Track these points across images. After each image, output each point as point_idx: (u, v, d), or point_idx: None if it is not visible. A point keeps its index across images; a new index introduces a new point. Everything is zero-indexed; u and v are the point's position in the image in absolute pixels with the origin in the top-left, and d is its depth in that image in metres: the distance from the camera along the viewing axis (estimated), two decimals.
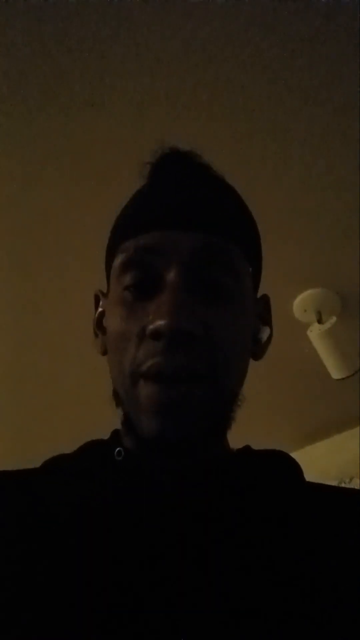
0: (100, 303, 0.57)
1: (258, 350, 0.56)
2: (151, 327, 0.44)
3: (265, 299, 0.59)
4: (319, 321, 1.56)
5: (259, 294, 0.59)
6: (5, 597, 0.41)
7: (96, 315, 0.57)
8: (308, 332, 1.59)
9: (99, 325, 0.56)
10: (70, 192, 1.27)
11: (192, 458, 0.48)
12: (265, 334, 0.57)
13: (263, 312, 0.58)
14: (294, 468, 0.53)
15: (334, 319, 1.55)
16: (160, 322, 0.44)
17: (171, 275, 0.46)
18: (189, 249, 0.47)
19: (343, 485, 1.99)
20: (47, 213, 1.33)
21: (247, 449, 0.54)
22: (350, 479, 2.02)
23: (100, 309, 0.57)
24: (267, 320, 0.58)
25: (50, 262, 1.45)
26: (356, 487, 1.97)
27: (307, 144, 1.20)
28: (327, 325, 1.54)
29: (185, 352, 0.45)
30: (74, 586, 0.41)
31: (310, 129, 1.17)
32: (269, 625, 0.39)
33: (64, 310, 1.54)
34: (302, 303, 1.56)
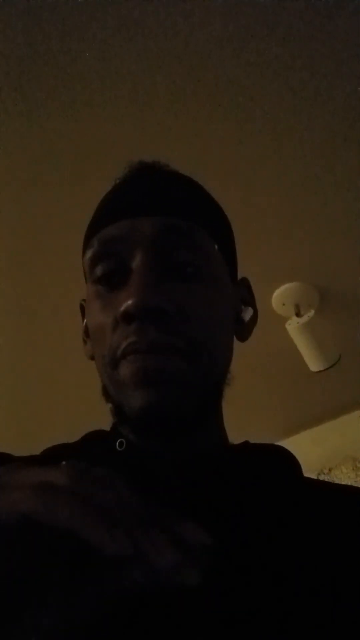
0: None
1: (243, 331, 0.57)
2: (120, 310, 0.45)
3: (246, 281, 0.59)
4: (297, 314, 1.57)
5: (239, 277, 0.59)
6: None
7: (84, 323, 0.57)
8: (286, 326, 1.59)
9: (87, 333, 0.56)
10: (70, 192, 1.27)
11: (185, 444, 0.48)
12: (248, 314, 0.57)
13: (244, 294, 0.58)
14: (293, 464, 0.53)
15: (312, 312, 1.55)
16: (128, 303, 0.45)
17: (137, 261, 0.47)
18: (151, 232, 0.48)
19: (322, 476, 2.02)
20: (47, 213, 1.33)
21: (246, 443, 0.54)
22: (330, 470, 2.02)
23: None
24: (249, 302, 0.58)
25: (50, 262, 1.45)
26: (335, 479, 1.99)
27: (306, 144, 1.20)
28: (305, 318, 1.55)
29: (159, 328, 0.45)
30: (72, 579, 0.41)
31: (310, 129, 1.17)
32: (268, 623, 0.39)
33: (64, 310, 1.54)
34: (280, 296, 1.57)
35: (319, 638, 0.39)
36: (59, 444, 0.54)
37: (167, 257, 0.48)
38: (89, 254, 0.51)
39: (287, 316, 1.60)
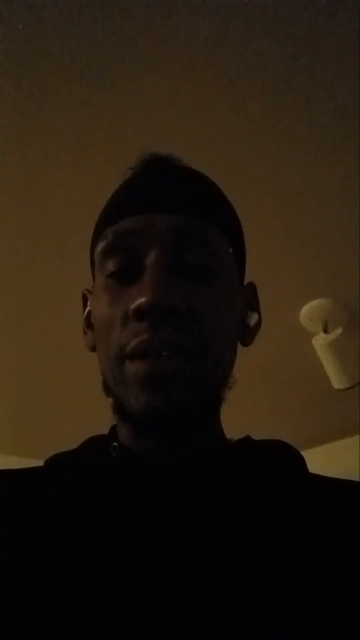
0: (88, 302, 0.57)
1: (247, 336, 0.56)
2: (133, 306, 0.44)
3: (252, 286, 0.59)
4: (325, 331, 1.57)
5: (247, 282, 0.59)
6: (4, 597, 0.41)
7: (85, 314, 0.57)
8: (313, 341, 1.59)
9: (88, 324, 0.56)
10: (71, 191, 1.27)
11: (185, 444, 0.48)
12: (253, 319, 0.57)
13: (250, 298, 0.58)
14: (297, 460, 0.52)
15: (339, 330, 1.56)
16: (141, 300, 0.44)
17: (151, 257, 0.47)
18: (168, 229, 0.47)
19: None
20: (47, 213, 1.33)
21: (247, 439, 0.53)
22: None
23: (88, 308, 0.57)
24: (255, 307, 0.58)
25: (51, 261, 1.45)
26: None
27: (307, 144, 1.20)
28: (332, 336, 1.56)
29: (171, 328, 0.45)
30: (71, 588, 0.41)
31: (310, 129, 1.17)
32: (269, 622, 0.38)
33: (64, 309, 1.54)
34: (309, 312, 1.56)
35: (320, 635, 0.38)
36: (59, 453, 0.54)
37: (181, 256, 0.48)
38: (101, 245, 0.50)
39: (314, 331, 1.61)
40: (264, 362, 1.43)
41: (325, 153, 1.22)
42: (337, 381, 1.63)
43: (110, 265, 0.49)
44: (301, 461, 0.52)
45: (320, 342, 1.57)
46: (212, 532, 0.44)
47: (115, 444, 0.50)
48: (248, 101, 1.11)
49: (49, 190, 1.27)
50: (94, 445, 0.54)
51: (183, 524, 0.44)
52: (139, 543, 0.43)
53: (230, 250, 0.51)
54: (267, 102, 1.11)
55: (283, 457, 0.52)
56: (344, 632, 0.39)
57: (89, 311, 0.56)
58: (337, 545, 0.43)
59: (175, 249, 0.47)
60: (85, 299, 0.58)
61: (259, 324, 0.58)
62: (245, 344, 0.56)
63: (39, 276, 1.50)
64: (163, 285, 0.45)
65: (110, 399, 0.49)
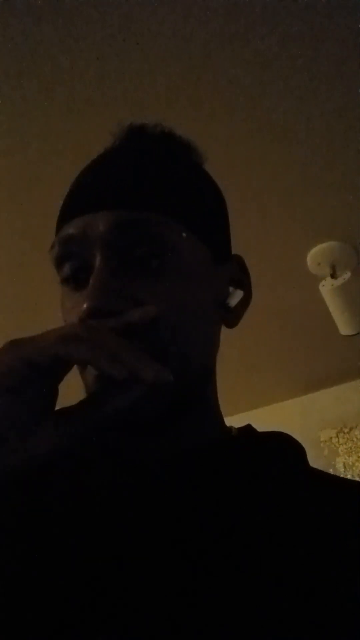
0: None
1: (230, 316, 0.52)
2: (79, 315, 0.43)
3: (238, 260, 0.54)
4: (333, 275, 1.50)
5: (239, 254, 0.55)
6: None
7: None
8: (320, 286, 1.51)
9: None
10: None
11: (177, 439, 0.47)
12: (235, 298, 0.52)
13: (236, 274, 0.53)
14: (299, 452, 0.51)
15: (348, 274, 1.48)
16: (82, 309, 0.42)
17: (97, 260, 0.44)
18: (106, 229, 0.45)
19: (342, 435, 2.03)
20: (47, 213, 1.33)
21: (248, 429, 0.52)
22: (350, 430, 2.02)
23: None
24: (241, 283, 0.53)
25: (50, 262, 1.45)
26: (354, 439, 1.99)
27: (307, 144, 1.20)
28: (341, 280, 1.49)
29: (118, 334, 0.42)
30: (70, 585, 0.41)
31: (310, 129, 1.17)
32: (270, 618, 0.38)
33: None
34: (316, 256, 1.48)
35: (320, 631, 0.38)
36: None
37: (126, 254, 0.45)
38: (51, 254, 0.49)
39: (321, 276, 1.53)
40: (269, 308, 1.36)
41: (325, 152, 1.22)
42: (344, 327, 1.56)
43: (63, 274, 0.48)
44: (302, 454, 0.51)
45: (327, 287, 1.49)
46: (209, 527, 0.43)
47: (114, 437, 0.49)
48: (248, 101, 1.11)
49: (49, 191, 1.27)
50: None
51: (180, 521, 0.44)
52: (137, 539, 0.43)
53: (184, 235, 0.47)
54: (267, 102, 1.11)
55: (284, 451, 0.51)
56: (345, 626, 0.39)
57: None
58: (338, 544, 0.43)
59: (117, 247, 0.45)
60: None
61: (246, 300, 0.53)
62: (231, 325, 0.52)
63: (39, 276, 1.50)
64: (104, 291, 0.42)
65: None
